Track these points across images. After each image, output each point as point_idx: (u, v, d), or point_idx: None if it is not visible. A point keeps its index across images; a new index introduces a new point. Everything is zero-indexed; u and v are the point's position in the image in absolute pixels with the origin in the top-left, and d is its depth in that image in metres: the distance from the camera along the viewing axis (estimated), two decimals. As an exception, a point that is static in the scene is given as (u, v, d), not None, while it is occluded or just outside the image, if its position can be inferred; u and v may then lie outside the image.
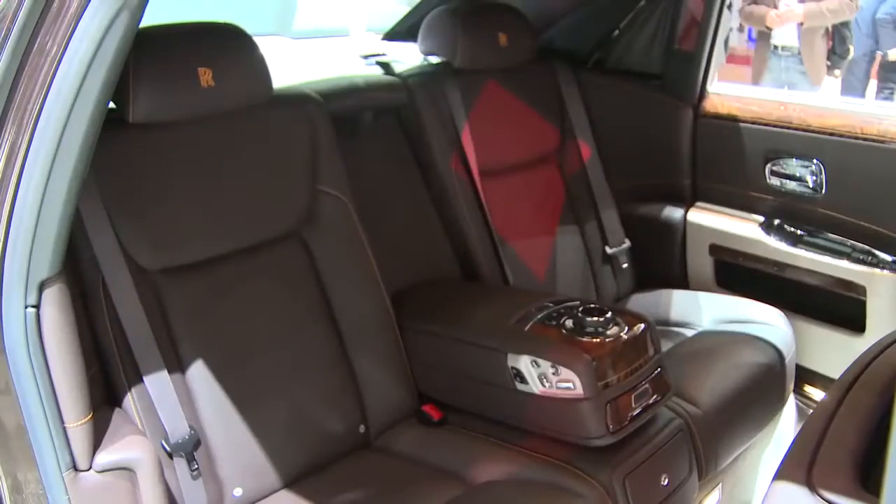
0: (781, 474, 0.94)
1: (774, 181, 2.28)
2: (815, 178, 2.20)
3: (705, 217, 2.42)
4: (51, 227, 1.18)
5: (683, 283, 2.49)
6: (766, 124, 2.26)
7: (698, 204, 2.44)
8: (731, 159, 2.35)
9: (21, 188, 1.15)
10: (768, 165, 2.28)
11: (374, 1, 4.52)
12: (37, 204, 1.15)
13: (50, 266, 1.21)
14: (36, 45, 1.09)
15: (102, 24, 1.05)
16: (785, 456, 0.98)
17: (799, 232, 2.26)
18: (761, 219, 2.32)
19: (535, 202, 2.35)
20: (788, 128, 2.22)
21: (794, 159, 2.23)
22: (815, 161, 2.18)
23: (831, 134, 2.14)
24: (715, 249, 2.40)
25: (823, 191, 2.19)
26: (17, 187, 1.15)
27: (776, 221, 2.30)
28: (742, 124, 2.31)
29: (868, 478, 0.91)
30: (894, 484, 0.66)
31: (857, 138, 2.10)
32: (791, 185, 2.25)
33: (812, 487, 0.90)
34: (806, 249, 2.23)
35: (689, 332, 2.26)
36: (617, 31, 2.54)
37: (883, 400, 1.02)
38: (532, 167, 2.37)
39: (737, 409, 1.93)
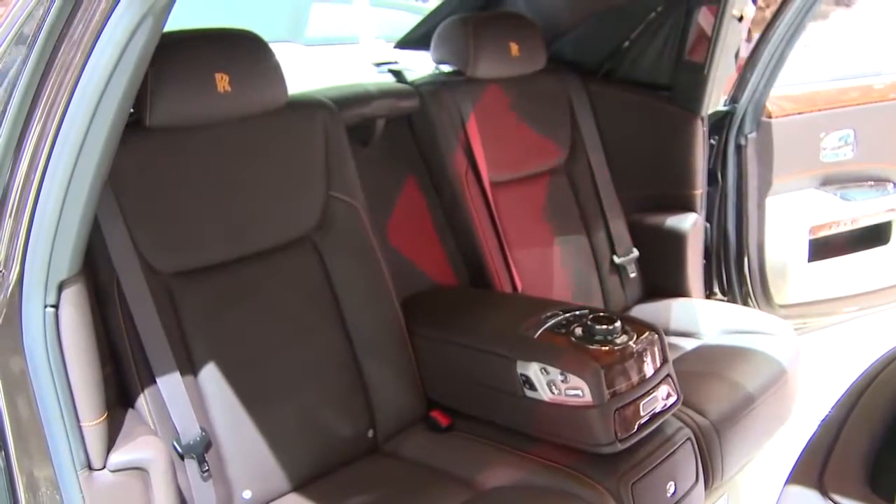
0: (794, 478, 0.95)
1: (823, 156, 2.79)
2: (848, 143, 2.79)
3: (793, 205, 2.75)
4: (71, 228, 1.19)
5: (696, 289, 2.52)
6: (818, 111, 2.78)
7: (771, 198, 2.73)
8: (793, 149, 2.74)
9: (43, 190, 1.16)
10: (820, 143, 2.76)
11: (382, 11, 4.56)
12: (58, 206, 1.17)
13: (69, 267, 1.23)
14: (61, 49, 1.11)
15: (127, 29, 1.06)
16: (797, 461, 0.99)
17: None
18: (822, 189, 2.79)
19: (544, 210, 2.36)
20: (835, 108, 2.80)
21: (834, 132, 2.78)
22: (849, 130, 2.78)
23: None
24: (814, 229, 2.76)
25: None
26: (39, 189, 1.16)
27: (832, 188, 2.80)
28: (799, 116, 2.75)
29: (878, 482, 0.92)
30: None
31: None
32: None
33: (824, 492, 0.91)
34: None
35: (696, 342, 2.26)
36: (627, 43, 2.56)
37: (894, 407, 1.03)
38: (541, 176, 2.38)
39: (743, 418, 1.94)
